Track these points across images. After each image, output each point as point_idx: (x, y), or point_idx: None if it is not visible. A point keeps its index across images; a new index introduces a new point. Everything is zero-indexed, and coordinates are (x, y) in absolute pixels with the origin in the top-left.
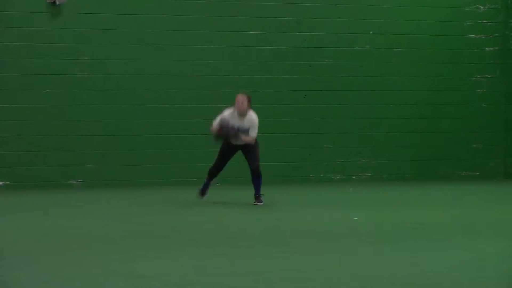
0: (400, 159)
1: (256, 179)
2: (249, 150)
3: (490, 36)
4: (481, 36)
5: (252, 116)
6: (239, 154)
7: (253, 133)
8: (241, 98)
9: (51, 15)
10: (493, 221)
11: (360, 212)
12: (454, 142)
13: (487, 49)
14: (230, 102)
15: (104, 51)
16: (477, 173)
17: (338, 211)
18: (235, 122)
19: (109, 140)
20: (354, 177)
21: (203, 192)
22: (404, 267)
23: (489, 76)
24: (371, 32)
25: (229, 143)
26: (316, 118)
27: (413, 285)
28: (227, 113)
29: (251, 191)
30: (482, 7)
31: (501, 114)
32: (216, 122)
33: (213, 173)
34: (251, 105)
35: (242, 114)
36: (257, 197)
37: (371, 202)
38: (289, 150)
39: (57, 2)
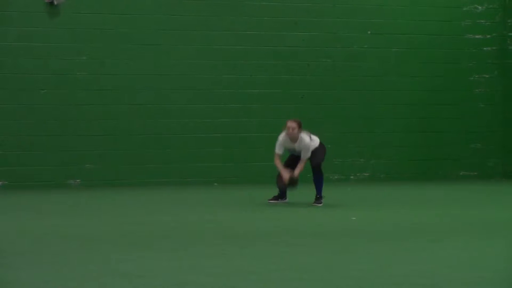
0: (398, 159)
1: (317, 178)
2: (314, 151)
3: (488, 36)
4: (479, 36)
5: (305, 140)
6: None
7: (305, 156)
8: (292, 125)
9: (49, 15)
10: (492, 221)
11: (358, 212)
12: (452, 142)
13: (485, 49)
14: (229, 102)
15: (102, 51)
16: (475, 173)
17: (336, 211)
18: (289, 146)
19: (108, 140)
20: (352, 177)
21: (276, 198)
22: (403, 267)
23: (487, 76)
24: (369, 32)
25: (293, 156)
26: (314, 118)
27: (412, 285)
28: (281, 138)
29: (250, 191)
30: (480, 7)
31: (499, 114)
32: (277, 150)
33: (283, 187)
34: (303, 128)
35: (293, 140)
36: (317, 198)
37: (370, 202)
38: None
39: (55, 2)
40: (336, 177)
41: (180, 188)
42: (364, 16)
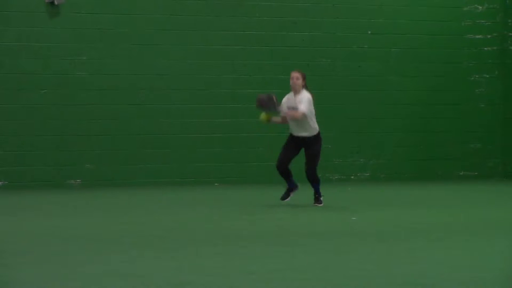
0: (398, 159)
1: (313, 184)
2: (310, 150)
3: (489, 36)
4: (480, 36)
5: (305, 94)
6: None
7: (301, 107)
8: (295, 75)
9: (49, 15)
10: (492, 221)
11: (358, 212)
12: (452, 142)
13: (485, 49)
14: (228, 102)
15: (102, 51)
16: (476, 173)
17: (337, 211)
18: (291, 103)
19: (108, 140)
20: (352, 177)
21: (288, 192)
22: (403, 267)
23: (487, 76)
24: (369, 32)
25: (292, 136)
26: None
27: (412, 285)
28: (286, 96)
29: (250, 191)
30: (480, 7)
31: (499, 114)
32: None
33: (279, 168)
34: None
35: (295, 91)
36: (317, 198)
37: (370, 202)
38: None
39: (56, 2)
40: (336, 177)
41: (180, 188)
42: (364, 16)
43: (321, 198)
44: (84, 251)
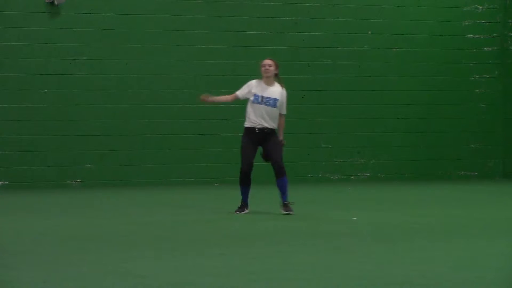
0: (398, 159)
1: (281, 179)
2: (273, 139)
3: (489, 36)
4: (480, 36)
5: (280, 88)
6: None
7: (283, 110)
8: (268, 62)
9: (49, 15)
10: (492, 221)
11: (358, 212)
12: (453, 142)
13: (485, 49)
14: (228, 102)
15: (102, 51)
16: (476, 173)
17: (337, 211)
18: (263, 93)
19: (108, 140)
20: (352, 177)
21: (242, 207)
22: (403, 267)
23: (487, 76)
24: (369, 32)
25: (250, 133)
26: (315, 118)
27: (412, 285)
28: (254, 81)
29: (250, 191)
30: (480, 7)
31: (499, 114)
32: (243, 91)
33: (247, 170)
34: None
35: (267, 81)
36: (285, 205)
37: (370, 202)
38: (288, 150)
39: (56, 2)
40: (336, 177)
41: (180, 188)
42: (364, 16)
43: (291, 206)
44: (84, 251)
